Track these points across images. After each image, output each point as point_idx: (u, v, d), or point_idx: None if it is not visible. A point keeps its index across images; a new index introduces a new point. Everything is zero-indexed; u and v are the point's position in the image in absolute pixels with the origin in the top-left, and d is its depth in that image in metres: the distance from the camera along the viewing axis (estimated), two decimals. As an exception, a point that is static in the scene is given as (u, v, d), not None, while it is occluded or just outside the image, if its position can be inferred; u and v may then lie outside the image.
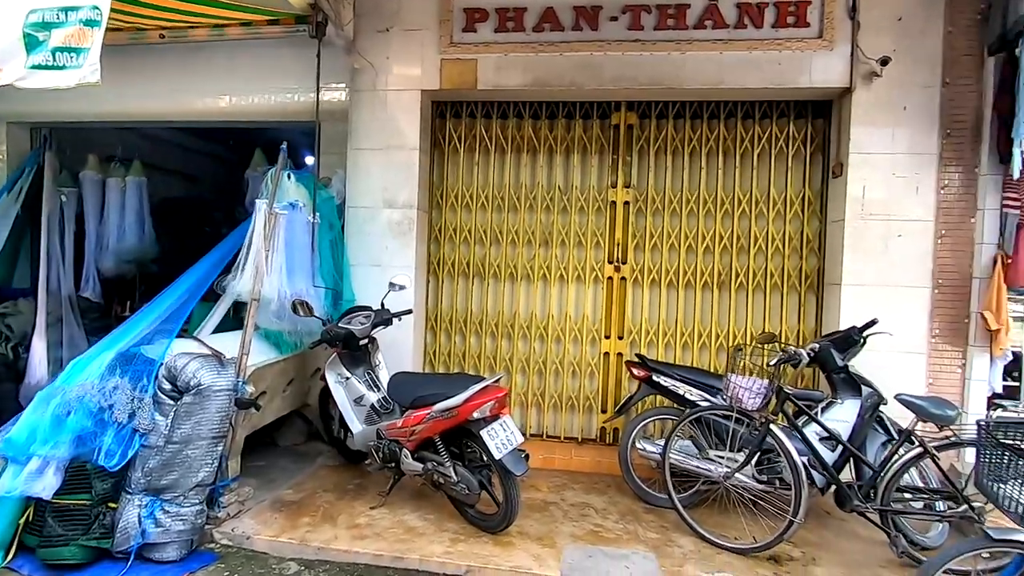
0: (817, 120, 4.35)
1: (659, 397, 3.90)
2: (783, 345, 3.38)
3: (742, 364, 3.18)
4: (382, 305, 3.90)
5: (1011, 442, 2.21)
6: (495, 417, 3.08)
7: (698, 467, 3.42)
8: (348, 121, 4.52)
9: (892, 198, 3.94)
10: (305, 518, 3.35)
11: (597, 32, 4.18)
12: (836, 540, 3.34)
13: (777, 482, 3.22)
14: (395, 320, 3.94)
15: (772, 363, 3.02)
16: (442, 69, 4.36)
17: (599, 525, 3.42)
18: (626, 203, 4.53)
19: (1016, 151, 3.50)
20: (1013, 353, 4.43)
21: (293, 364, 3.94)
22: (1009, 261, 3.70)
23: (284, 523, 3.28)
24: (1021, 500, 2.14)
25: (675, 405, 3.79)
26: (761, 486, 3.26)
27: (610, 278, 4.55)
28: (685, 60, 4.10)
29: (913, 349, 3.93)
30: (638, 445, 3.67)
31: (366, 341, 3.79)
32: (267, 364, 3.57)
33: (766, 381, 3.07)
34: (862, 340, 3.44)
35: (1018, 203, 3.66)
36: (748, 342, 4.24)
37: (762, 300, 4.40)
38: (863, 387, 3.35)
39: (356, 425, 3.70)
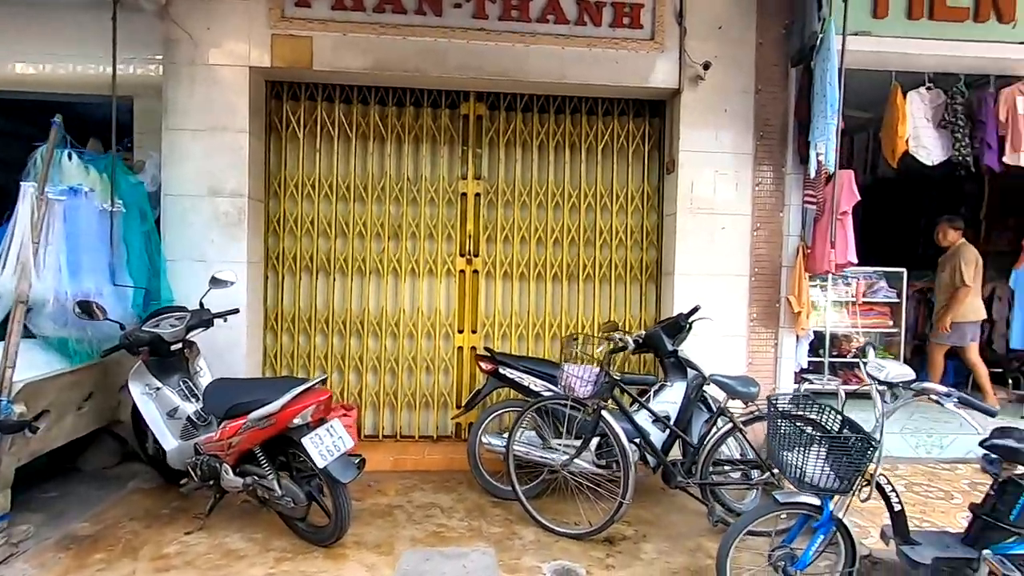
0: (654, 119, 4.59)
1: (512, 390, 3.90)
2: (624, 333, 3.50)
3: (575, 353, 3.24)
4: (201, 304, 3.48)
5: (789, 413, 2.43)
6: (321, 422, 2.86)
7: (541, 457, 3.45)
8: (163, 98, 3.99)
9: (716, 194, 4.26)
10: (99, 554, 2.88)
11: (441, 18, 4.06)
12: (667, 515, 3.54)
13: (614, 465, 3.34)
14: (219, 321, 3.53)
15: (598, 351, 3.10)
16: (273, 46, 3.99)
17: (443, 525, 3.33)
18: (477, 195, 4.48)
19: (812, 153, 3.92)
20: (816, 332, 5.02)
21: (90, 375, 3.39)
22: (808, 251, 4.16)
23: (70, 563, 2.80)
24: (798, 466, 2.35)
25: (523, 397, 3.79)
26: (601, 470, 3.36)
27: (462, 271, 4.48)
28: (529, 53, 4.11)
29: (735, 332, 4.29)
30: (483, 439, 3.63)
31: (180, 346, 3.36)
32: (47, 377, 3.02)
33: (597, 369, 3.15)
34: (688, 326, 3.67)
35: (814, 199, 4.12)
36: (592, 331, 4.39)
37: (608, 290, 4.57)
38: (689, 370, 3.58)
39: (170, 441, 3.26)
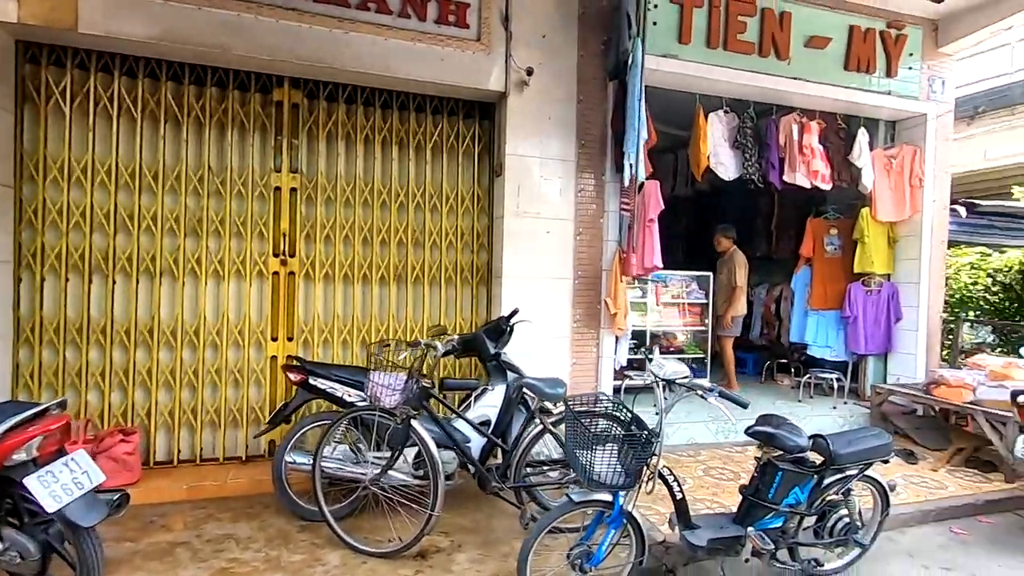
0: (484, 121, 4.57)
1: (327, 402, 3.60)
2: (435, 338, 3.38)
3: (382, 360, 3.06)
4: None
5: (582, 413, 2.48)
6: (58, 454, 2.35)
7: (352, 472, 3.21)
8: None
9: (542, 198, 4.35)
10: None
11: (245, -10, 3.65)
12: (488, 521, 3.49)
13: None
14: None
15: (400, 358, 2.95)
16: (21, -3, 3.29)
17: (235, 559, 2.94)
18: (293, 189, 4.10)
19: (626, 163, 4.16)
20: (636, 332, 5.37)
21: None
22: (624, 256, 4.40)
23: None
24: (588, 464, 2.40)
25: (339, 409, 3.52)
26: (421, 481, 3.21)
27: (276, 273, 4.07)
28: (349, 40, 3.85)
29: (560, 334, 4.41)
30: (287, 458, 3.30)
31: None
32: None
33: (404, 376, 3.00)
34: (509, 328, 3.68)
35: (629, 207, 4.38)
36: (421, 336, 4.25)
37: (439, 293, 4.46)
38: (510, 372, 3.58)
39: None
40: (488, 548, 3.15)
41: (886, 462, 2.91)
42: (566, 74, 4.39)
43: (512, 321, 3.67)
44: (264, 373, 4.06)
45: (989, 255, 7.79)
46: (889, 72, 5.24)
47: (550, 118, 4.35)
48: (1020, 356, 4.55)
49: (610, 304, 4.32)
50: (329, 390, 3.40)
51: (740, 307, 5.79)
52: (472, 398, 3.56)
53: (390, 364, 2.99)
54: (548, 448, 3.49)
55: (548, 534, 3.05)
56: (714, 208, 7.79)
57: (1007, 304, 7.37)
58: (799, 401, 5.64)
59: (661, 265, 4.24)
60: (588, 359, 4.53)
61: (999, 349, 6.98)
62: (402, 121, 4.35)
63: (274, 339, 4.07)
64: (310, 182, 4.13)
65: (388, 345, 3.15)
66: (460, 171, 4.50)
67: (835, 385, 5.61)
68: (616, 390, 4.74)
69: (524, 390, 3.53)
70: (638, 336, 5.68)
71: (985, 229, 6.42)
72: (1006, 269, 7.53)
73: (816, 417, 5.17)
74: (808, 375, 5.77)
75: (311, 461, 3.27)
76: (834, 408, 5.43)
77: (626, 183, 4.24)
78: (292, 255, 4.09)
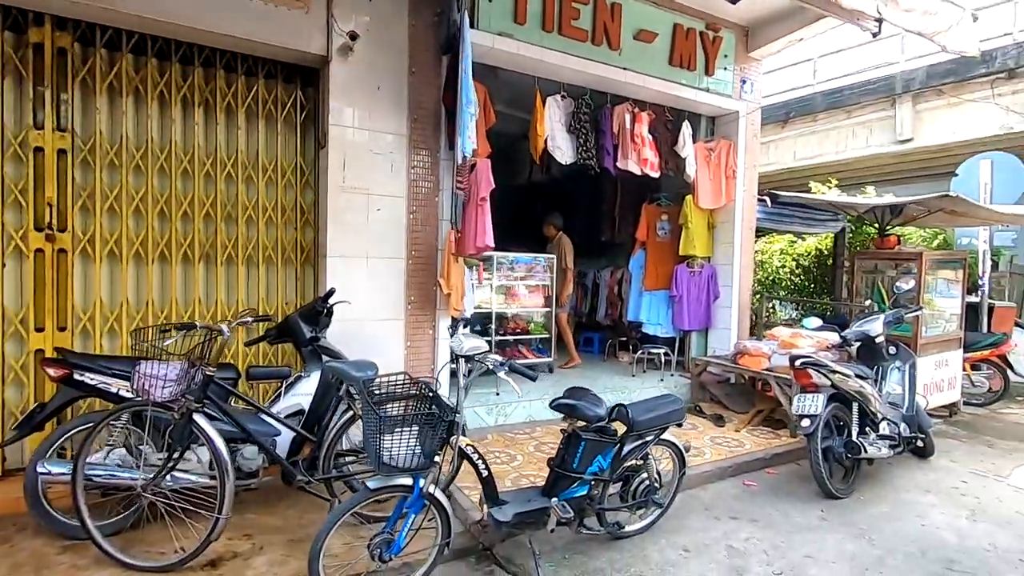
0: (308, 88, 4.21)
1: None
2: (217, 321, 3.03)
3: (148, 348, 2.66)
4: None
5: (384, 395, 2.34)
6: None
7: (126, 479, 2.78)
8: None
9: (371, 174, 4.11)
10: None
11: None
12: (300, 517, 3.23)
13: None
14: None
15: (166, 344, 2.60)
16: None
17: (-41, 597, 2.42)
18: (62, 151, 3.45)
19: (457, 140, 4.05)
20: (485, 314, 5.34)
21: None
22: (458, 235, 4.32)
23: None
24: (379, 448, 2.27)
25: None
26: (215, 482, 2.86)
27: (40, 250, 3.41)
28: (130, -22, 3.30)
29: (393, 316, 4.23)
30: (41, 468, 2.78)
31: None
32: None
33: (180, 365, 2.64)
34: (326, 310, 3.43)
35: (463, 185, 4.29)
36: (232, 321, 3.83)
37: (256, 274, 4.05)
38: (327, 358, 3.33)
39: None
40: (293, 548, 2.90)
41: (679, 425, 3.13)
42: (396, 43, 4.16)
43: (330, 302, 3.42)
44: (27, 370, 3.40)
45: (795, 242, 8.95)
46: (708, 70, 5.69)
47: (379, 88, 4.11)
48: (803, 327, 5.22)
49: (443, 284, 4.22)
50: (100, 385, 2.91)
51: (570, 287, 6.31)
52: (283, 387, 3.28)
53: (165, 352, 2.60)
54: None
55: (361, 525, 2.92)
56: (565, 194, 8.03)
57: (806, 284, 8.52)
58: (633, 375, 6.02)
59: (493, 245, 4.20)
60: (424, 342, 4.40)
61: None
62: (207, 80, 3.86)
63: (39, 329, 3.42)
64: (86, 144, 3.51)
65: (168, 330, 2.75)
66: (280, 140, 4.10)
67: (663, 359, 6.06)
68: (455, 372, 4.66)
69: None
70: (489, 318, 5.70)
71: (788, 218, 7.29)
72: (806, 254, 8.70)
73: (646, 389, 5.52)
74: (641, 351, 6.18)
75: (65, 470, 2.79)
76: (661, 380, 5.86)
77: (459, 160, 4.14)
78: (63, 229, 3.46)
